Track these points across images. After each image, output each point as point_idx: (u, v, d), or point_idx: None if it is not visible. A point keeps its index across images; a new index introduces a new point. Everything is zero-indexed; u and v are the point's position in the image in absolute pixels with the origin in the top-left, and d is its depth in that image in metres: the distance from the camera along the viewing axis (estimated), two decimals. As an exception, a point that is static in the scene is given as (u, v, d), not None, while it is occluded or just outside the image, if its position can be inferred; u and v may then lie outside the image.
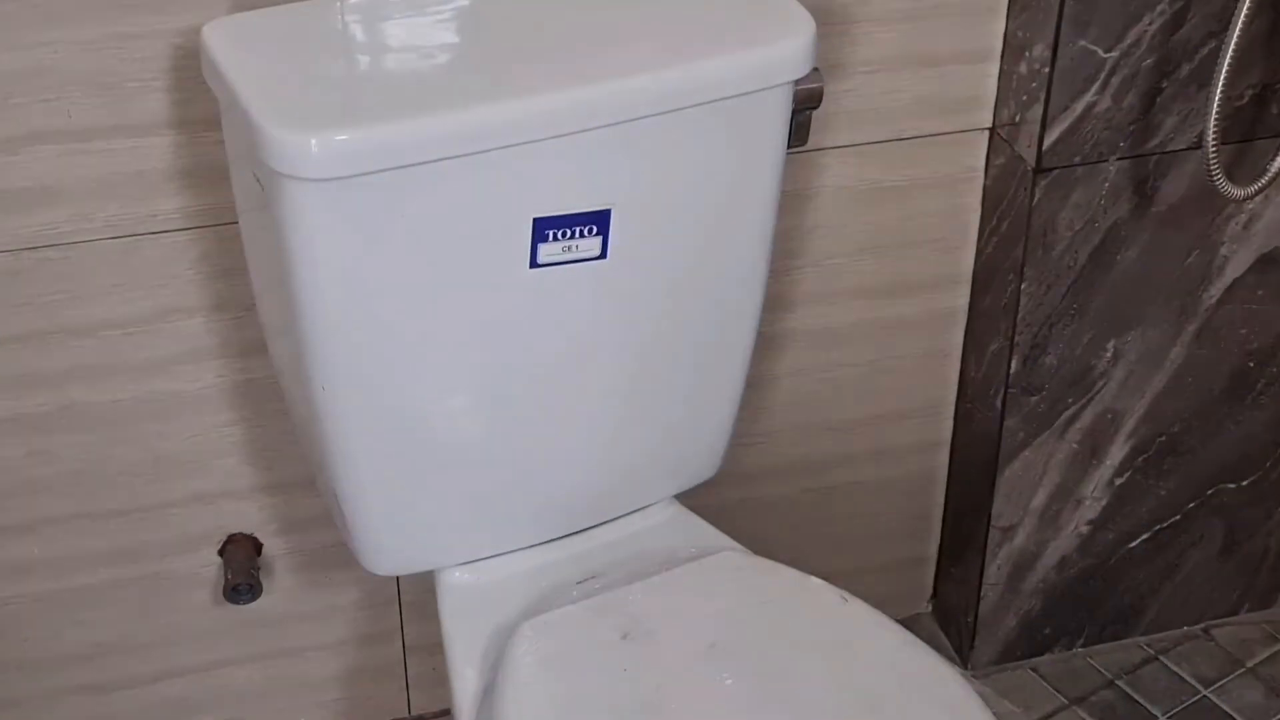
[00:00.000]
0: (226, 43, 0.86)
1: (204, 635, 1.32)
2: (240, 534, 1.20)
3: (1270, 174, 1.11)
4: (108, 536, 1.20)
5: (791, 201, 1.11)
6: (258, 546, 1.23)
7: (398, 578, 1.28)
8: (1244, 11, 1.02)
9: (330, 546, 1.24)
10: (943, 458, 1.42)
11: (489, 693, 0.93)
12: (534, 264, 0.88)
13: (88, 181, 1.02)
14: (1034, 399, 1.27)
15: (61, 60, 0.95)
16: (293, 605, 1.32)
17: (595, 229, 0.89)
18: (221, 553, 1.20)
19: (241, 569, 1.19)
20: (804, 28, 0.88)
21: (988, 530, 1.37)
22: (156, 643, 1.29)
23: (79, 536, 1.18)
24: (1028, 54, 1.13)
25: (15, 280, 1.03)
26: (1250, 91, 1.13)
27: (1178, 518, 1.42)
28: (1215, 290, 1.27)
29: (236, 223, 1.03)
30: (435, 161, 0.80)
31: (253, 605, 1.24)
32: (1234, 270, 1.26)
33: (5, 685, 1.18)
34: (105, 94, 0.98)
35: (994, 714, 0.96)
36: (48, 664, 1.23)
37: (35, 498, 1.15)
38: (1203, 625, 1.49)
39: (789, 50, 0.89)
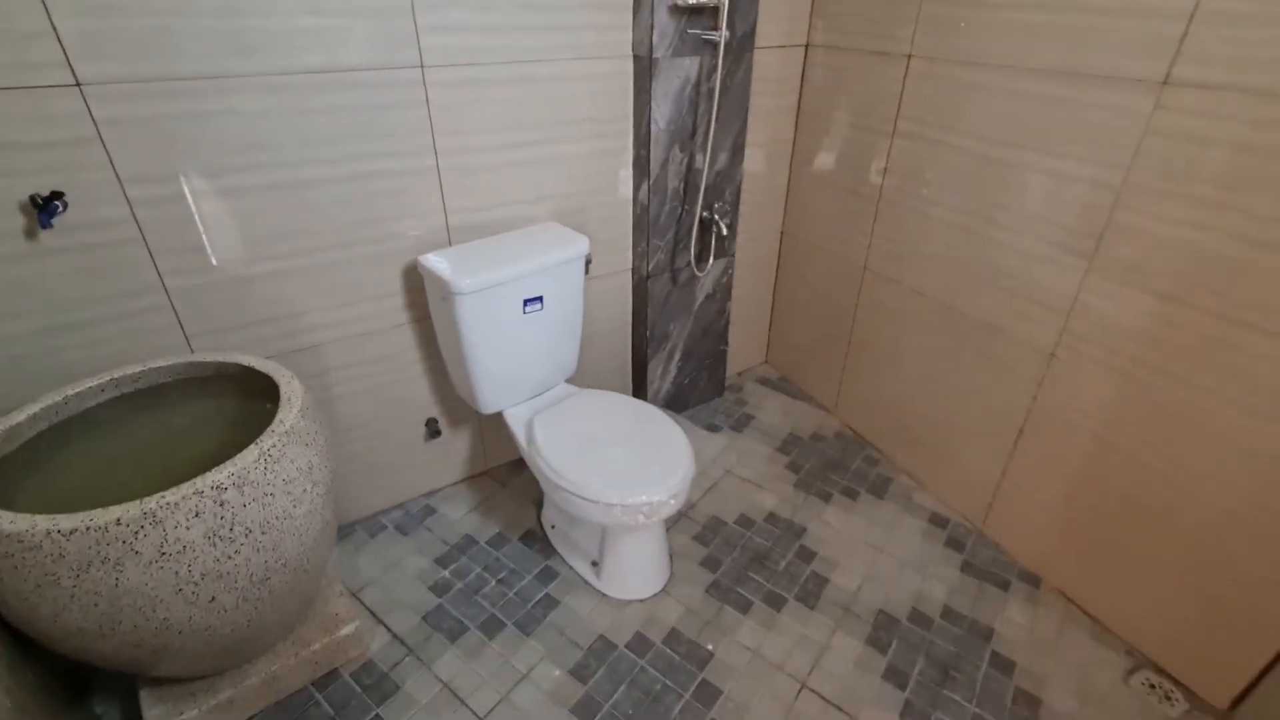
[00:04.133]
0: (429, 260, 1.39)
1: (422, 451, 1.71)
2: (432, 417, 1.67)
3: (707, 267, 1.87)
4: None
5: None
6: (435, 421, 1.67)
7: (480, 416, 1.74)
8: (695, 232, 1.87)
9: (463, 414, 1.68)
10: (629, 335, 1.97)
11: (530, 442, 1.42)
12: (524, 313, 1.44)
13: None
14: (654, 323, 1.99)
15: (347, 272, 1.42)
16: (453, 438, 1.73)
17: (541, 302, 1.46)
18: (426, 424, 1.66)
19: (432, 427, 1.66)
20: (585, 242, 1.50)
21: (649, 363, 1.97)
22: (400, 455, 1.67)
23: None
24: (646, 243, 1.87)
25: (332, 350, 1.47)
26: (699, 244, 1.87)
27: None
28: (700, 302, 1.98)
29: (430, 320, 1.53)
30: (495, 287, 1.36)
31: (438, 440, 1.70)
32: (701, 295, 1.95)
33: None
34: (374, 293, 1.45)
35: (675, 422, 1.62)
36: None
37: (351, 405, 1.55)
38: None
39: (584, 247, 1.48)
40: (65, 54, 1.02)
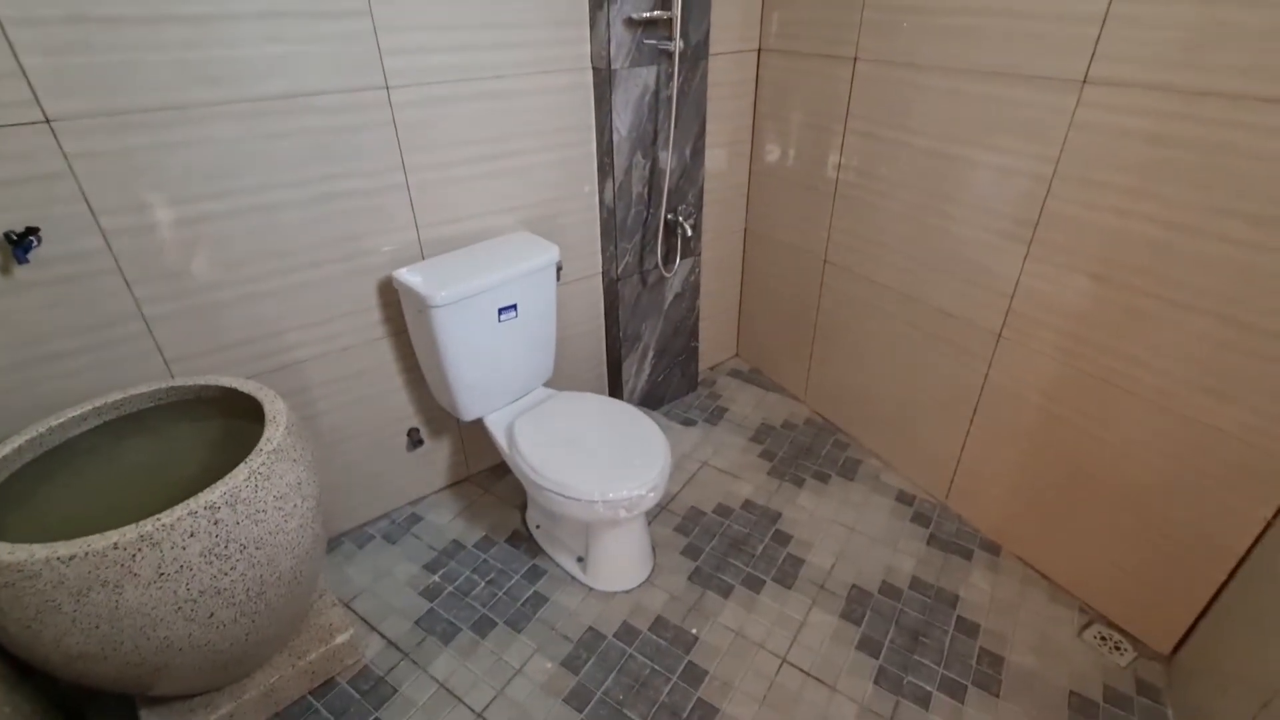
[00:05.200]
0: (403, 274, 1.40)
1: (406, 461, 1.74)
2: (414, 427, 1.69)
3: (675, 267, 1.95)
4: (368, 427, 1.61)
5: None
6: (417, 431, 1.69)
7: (460, 423, 1.76)
8: (660, 232, 1.91)
9: (445, 423, 1.70)
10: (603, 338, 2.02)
11: (511, 446, 1.46)
12: (499, 321, 1.47)
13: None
14: (626, 323, 2.00)
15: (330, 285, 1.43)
16: (435, 447, 1.76)
17: (515, 310, 1.48)
18: (408, 434, 1.69)
19: (414, 437, 1.68)
20: (555, 249, 1.52)
21: (623, 363, 1.99)
22: (384, 466, 1.69)
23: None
24: (614, 247, 1.88)
25: (312, 367, 1.47)
26: (665, 246, 1.90)
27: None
28: (669, 301, 2.00)
29: (407, 333, 1.54)
30: (470, 297, 1.38)
31: (420, 449, 1.72)
32: (670, 294, 2.00)
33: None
34: (351, 310, 1.46)
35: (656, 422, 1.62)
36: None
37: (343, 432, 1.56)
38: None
39: (554, 254, 1.51)
40: (33, 92, 1.03)
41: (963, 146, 1.45)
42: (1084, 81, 1.21)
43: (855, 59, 1.64)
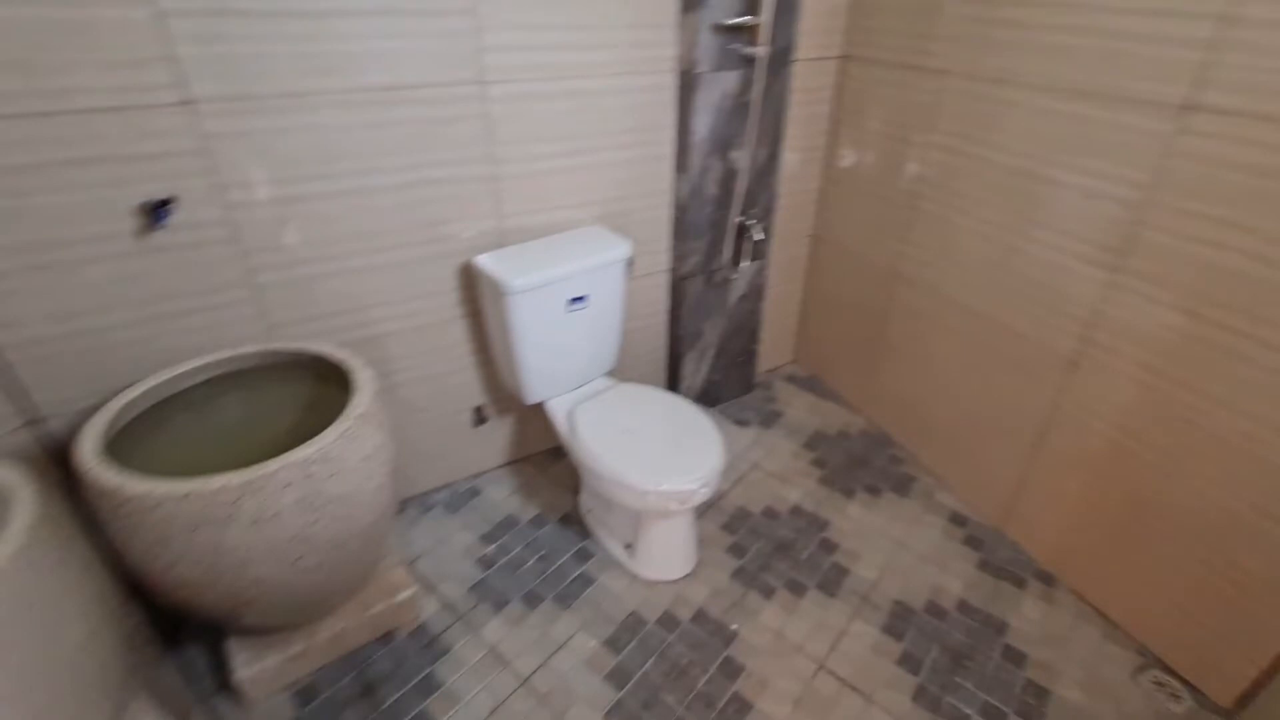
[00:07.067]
0: (483, 260, 1.47)
1: (470, 436, 1.83)
2: (481, 405, 1.77)
3: (742, 269, 1.98)
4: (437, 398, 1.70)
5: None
6: (482, 409, 1.78)
7: (522, 405, 1.82)
8: (731, 235, 1.91)
9: (509, 403, 1.79)
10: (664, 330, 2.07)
11: (571, 431, 1.51)
12: (570, 310, 1.53)
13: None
14: (687, 323, 2.04)
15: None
16: (498, 425, 1.84)
17: (584, 300, 1.53)
18: (474, 411, 1.76)
19: (479, 414, 1.76)
20: (628, 245, 1.57)
21: (683, 359, 2.04)
22: (449, 439, 1.79)
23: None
24: (683, 246, 1.93)
25: (392, 341, 1.58)
26: (734, 247, 1.98)
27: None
28: (733, 302, 2.05)
29: (480, 315, 1.62)
30: (544, 286, 1.44)
31: (484, 425, 1.81)
32: (735, 295, 2.05)
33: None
34: (431, 290, 1.55)
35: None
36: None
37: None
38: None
39: (626, 249, 1.56)
40: (182, 76, 1.15)
41: (1049, 166, 1.43)
42: (1184, 107, 1.18)
43: (941, 71, 1.63)
